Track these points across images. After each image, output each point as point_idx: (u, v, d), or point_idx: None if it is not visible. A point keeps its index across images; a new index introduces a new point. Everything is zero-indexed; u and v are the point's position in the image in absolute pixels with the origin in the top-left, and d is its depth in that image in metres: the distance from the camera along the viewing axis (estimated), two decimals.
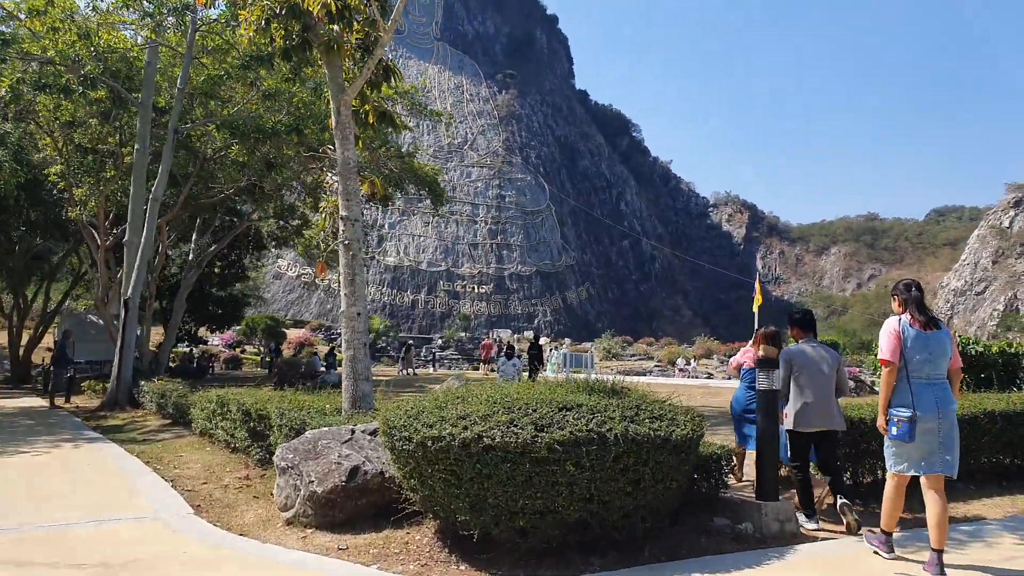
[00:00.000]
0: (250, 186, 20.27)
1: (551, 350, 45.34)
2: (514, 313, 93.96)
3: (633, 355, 62.11)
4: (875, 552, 5.07)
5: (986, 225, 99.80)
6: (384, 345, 66.08)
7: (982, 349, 9.52)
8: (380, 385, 23.68)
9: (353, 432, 6.65)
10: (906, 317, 4.97)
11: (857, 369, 46.23)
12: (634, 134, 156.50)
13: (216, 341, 52.54)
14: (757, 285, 41.04)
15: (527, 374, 21.75)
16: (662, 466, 4.97)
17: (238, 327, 54.50)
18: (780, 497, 5.71)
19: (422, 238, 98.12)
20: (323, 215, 8.38)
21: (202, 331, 34.43)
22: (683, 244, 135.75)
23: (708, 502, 6.00)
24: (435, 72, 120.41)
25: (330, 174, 25.54)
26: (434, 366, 43.52)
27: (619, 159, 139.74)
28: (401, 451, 5.23)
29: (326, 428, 6.78)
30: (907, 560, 4.94)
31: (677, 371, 41.68)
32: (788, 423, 6.00)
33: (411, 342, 44.23)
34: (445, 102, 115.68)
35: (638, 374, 43.10)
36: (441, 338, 71.59)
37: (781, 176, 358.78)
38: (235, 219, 25.54)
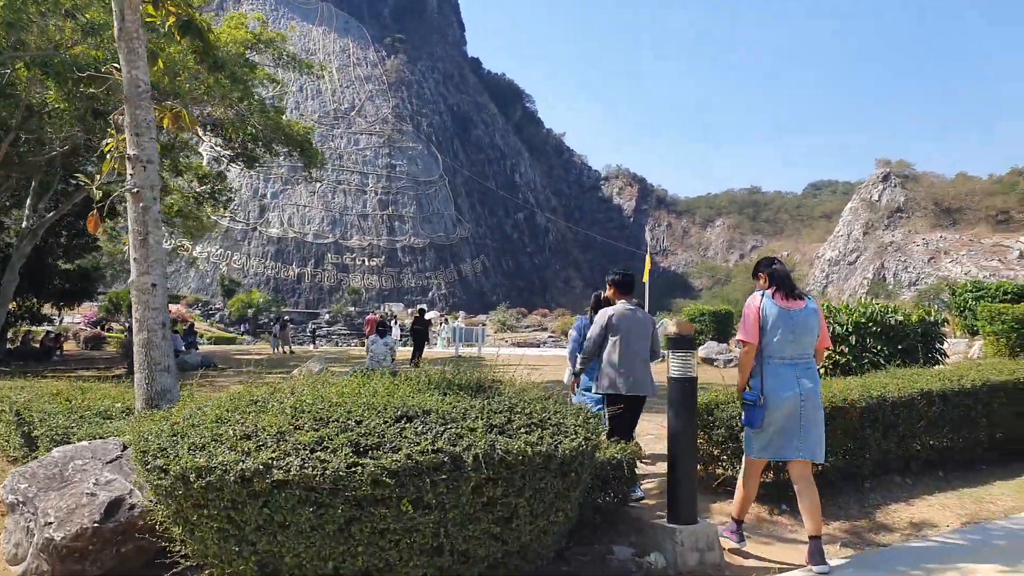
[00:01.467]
0: (87, 142, 17.25)
1: (442, 324, 43.65)
2: (407, 286, 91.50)
3: (528, 327, 61.76)
4: (725, 539, 4.58)
5: (858, 198, 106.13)
6: (266, 321, 62.55)
7: (902, 318, 8.85)
8: (249, 366, 21.69)
9: (125, 448, 4.79)
10: (769, 292, 4.59)
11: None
12: (527, 104, 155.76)
13: (78, 319, 47.82)
14: (648, 257, 41.18)
15: (411, 353, 20.02)
16: (544, 494, 3.49)
17: (97, 303, 49.57)
18: (701, 518, 4.39)
19: (308, 208, 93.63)
20: (109, 158, 6.28)
21: (48, 309, 30.36)
22: (576, 216, 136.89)
23: (608, 522, 4.61)
24: (319, 34, 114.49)
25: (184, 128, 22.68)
26: (315, 343, 40.64)
27: (513, 130, 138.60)
28: (157, 486, 3.48)
29: (86, 443, 4.88)
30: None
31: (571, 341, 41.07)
32: (602, 385, 5.62)
33: (287, 317, 41.19)
34: (330, 65, 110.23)
35: (532, 345, 42.34)
36: (329, 313, 68.59)
37: (671, 152, 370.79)
38: (77, 182, 22.15)
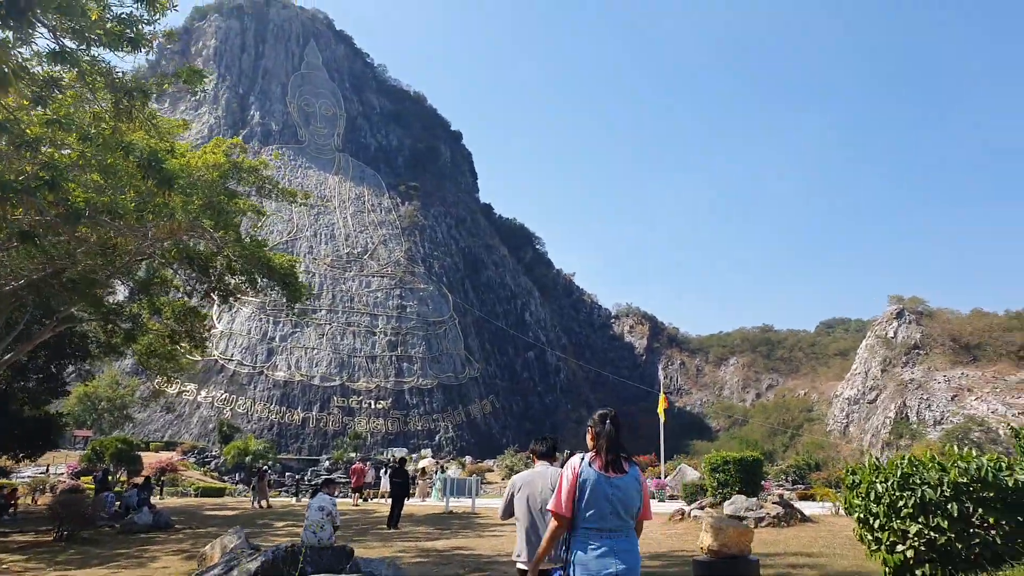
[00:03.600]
0: (50, 276, 16.29)
1: (437, 471, 40.91)
2: (413, 429, 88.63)
3: None
4: None
5: (873, 335, 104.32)
6: (264, 468, 59.46)
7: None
8: (213, 525, 19.33)
9: None
10: (589, 456, 4.31)
11: (766, 483, 44.50)
12: (537, 247, 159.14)
13: (62, 469, 45.86)
14: (662, 397, 39.29)
15: (391, 508, 17.84)
16: None
17: (79, 451, 47.34)
18: None
19: (316, 351, 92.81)
20: None
21: (5, 461, 28.40)
22: (587, 355, 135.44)
23: None
24: (335, 182, 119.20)
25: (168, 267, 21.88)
26: (298, 495, 37.63)
27: (523, 271, 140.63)
28: None
29: None
30: None
31: None
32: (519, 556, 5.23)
33: (265, 468, 38.44)
34: (345, 211, 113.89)
35: None
36: (329, 459, 65.48)
37: (679, 289, 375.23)
38: (46, 321, 20.99)
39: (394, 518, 17.35)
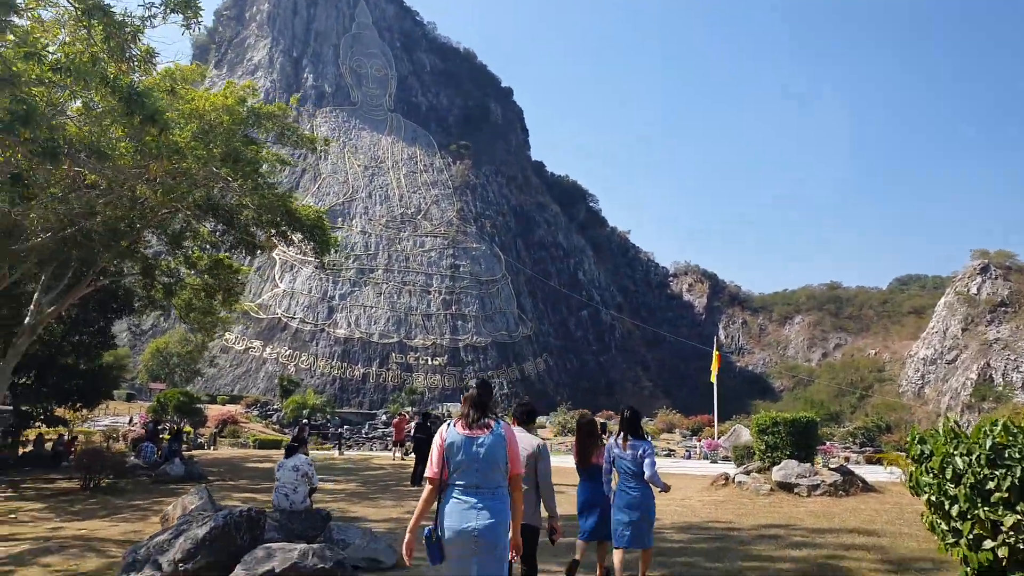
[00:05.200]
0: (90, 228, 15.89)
1: None
2: (470, 386, 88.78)
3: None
4: None
5: (952, 292, 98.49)
6: (324, 422, 60.64)
7: None
8: (245, 478, 19.21)
9: None
10: (454, 420, 4.51)
11: (829, 445, 42.48)
12: (591, 204, 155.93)
13: (135, 419, 47.76)
14: (715, 353, 37.60)
15: (414, 464, 17.03)
16: None
17: (149, 403, 49.10)
18: None
19: (374, 309, 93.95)
20: None
21: (64, 411, 29.28)
22: (643, 314, 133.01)
23: None
24: (388, 143, 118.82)
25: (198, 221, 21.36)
26: (340, 448, 37.46)
27: (576, 229, 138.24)
28: None
29: None
30: None
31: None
32: None
33: (305, 421, 38.10)
34: (399, 172, 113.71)
35: None
36: (386, 414, 66.26)
37: (741, 246, 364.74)
38: (91, 275, 20.76)
39: (417, 475, 16.51)
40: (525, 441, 5.75)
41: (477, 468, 4.28)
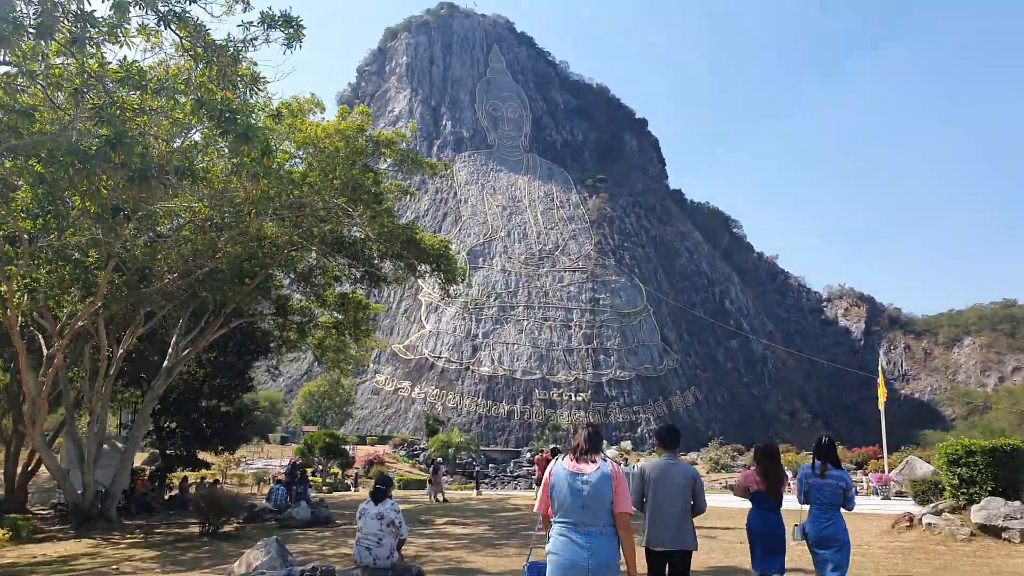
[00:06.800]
0: (215, 271, 16.33)
1: (621, 464, 39.39)
2: (615, 422, 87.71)
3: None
4: None
5: None
6: (469, 460, 61.37)
7: None
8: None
9: None
10: (563, 457, 4.57)
11: None
12: (735, 230, 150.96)
13: (284, 462, 50.57)
14: (880, 380, 34.99)
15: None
16: None
17: (296, 445, 50.97)
18: None
19: (516, 346, 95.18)
20: None
21: (207, 454, 30.51)
22: (796, 342, 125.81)
23: None
24: (524, 182, 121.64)
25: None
26: (478, 488, 37.00)
27: (720, 256, 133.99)
28: None
29: None
30: None
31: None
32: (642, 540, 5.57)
33: (439, 460, 38.50)
34: (535, 209, 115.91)
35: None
36: (531, 451, 66.59)
37: (898, 265, 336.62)
38: (223, 315, 20.74)
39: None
40: (680, 466, 5.99)
41: (582, 505, 4.28)
